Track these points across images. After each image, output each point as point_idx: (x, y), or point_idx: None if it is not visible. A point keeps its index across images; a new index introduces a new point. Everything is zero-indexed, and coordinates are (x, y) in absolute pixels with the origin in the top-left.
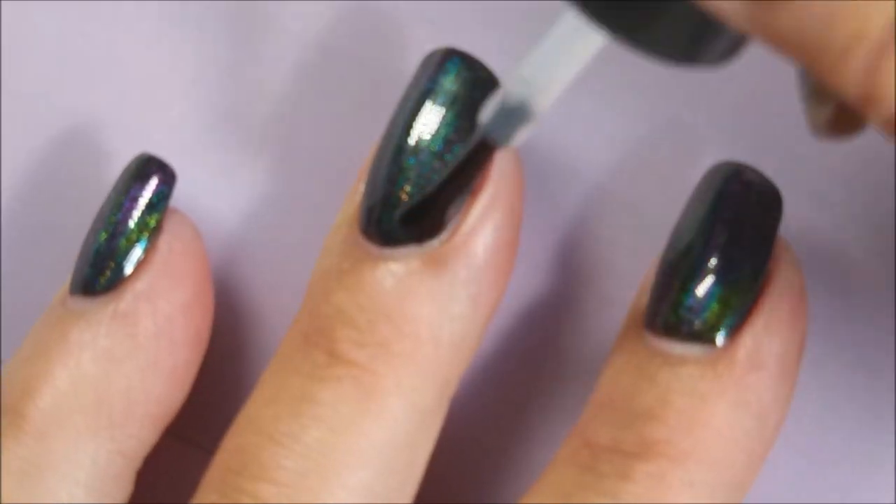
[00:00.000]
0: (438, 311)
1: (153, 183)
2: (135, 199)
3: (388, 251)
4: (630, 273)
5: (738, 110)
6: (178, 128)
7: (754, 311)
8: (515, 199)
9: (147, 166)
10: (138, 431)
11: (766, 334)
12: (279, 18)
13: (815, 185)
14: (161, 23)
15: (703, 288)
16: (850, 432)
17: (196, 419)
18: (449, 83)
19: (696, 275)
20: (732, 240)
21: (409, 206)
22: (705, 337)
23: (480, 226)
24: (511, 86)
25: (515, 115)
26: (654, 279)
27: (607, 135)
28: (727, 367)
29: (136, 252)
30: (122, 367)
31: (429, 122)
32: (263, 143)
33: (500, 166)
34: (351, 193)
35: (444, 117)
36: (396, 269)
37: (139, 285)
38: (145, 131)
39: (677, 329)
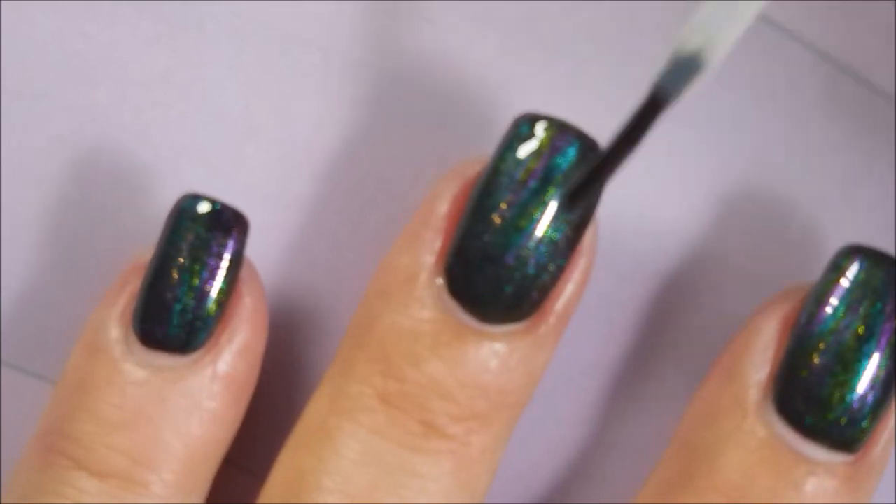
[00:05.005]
0: (530, 379)
1: (235, 236)
2: (220, 256)
3: (488, 328)
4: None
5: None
6: (178, 128)
7: (887, 417)
8: None
9: (224, 216)
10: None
11: (890, 442)
12: (278, 19)
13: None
14: (161, 23)
15: (862, 397)
16: None
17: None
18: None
19: (857, 383)
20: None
21: (576, 181)
22: (852, 447)
23: (563, 291)
24: (685, 35)
25: (688, 65)
26: (791, 359)
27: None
28: (865, 476)
29: (223, 307)
30: (223, 424)
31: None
32: (264, 143)
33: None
34: (413, 238)
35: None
36: (500, 350)
37: (234, 344)
38: (145, 131)
39: (827, 437)
